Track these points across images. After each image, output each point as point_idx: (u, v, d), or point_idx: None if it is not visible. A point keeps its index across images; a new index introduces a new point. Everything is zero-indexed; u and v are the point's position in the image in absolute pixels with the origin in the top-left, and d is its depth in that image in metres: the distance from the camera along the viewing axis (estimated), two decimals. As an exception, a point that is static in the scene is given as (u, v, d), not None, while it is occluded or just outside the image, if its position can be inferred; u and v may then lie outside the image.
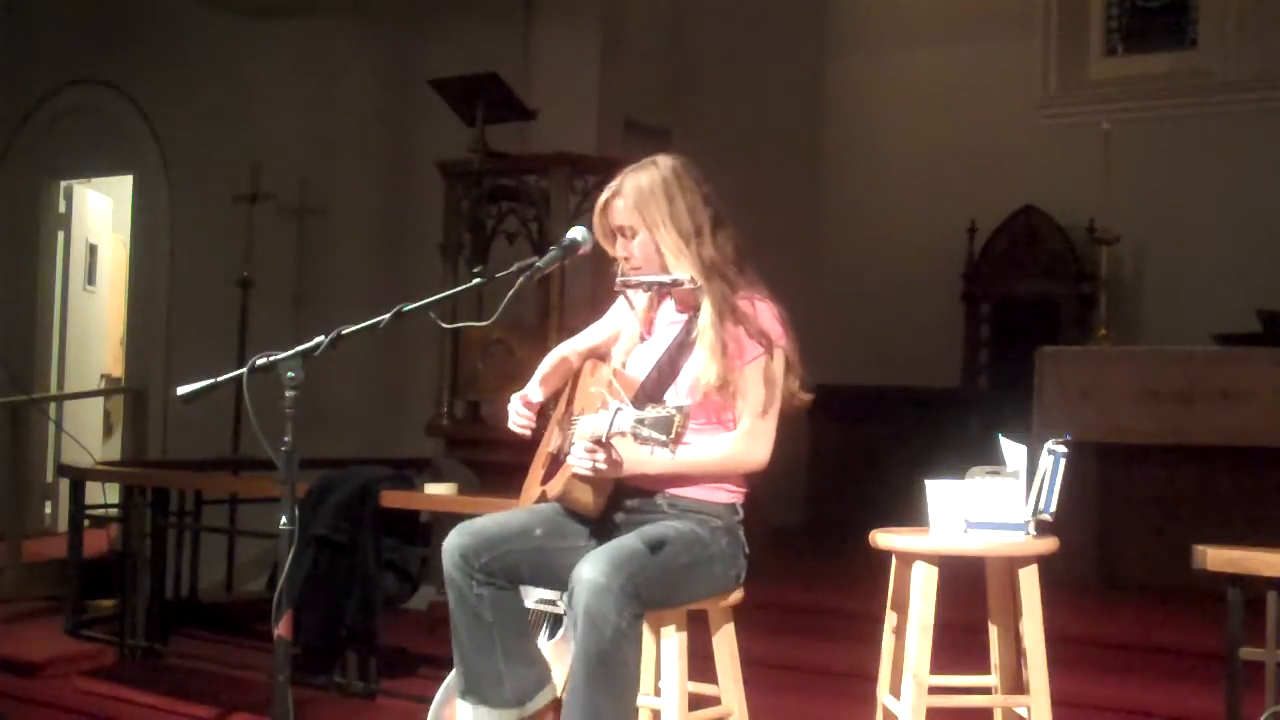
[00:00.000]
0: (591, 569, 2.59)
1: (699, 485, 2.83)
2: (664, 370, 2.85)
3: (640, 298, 2.98)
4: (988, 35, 8.15)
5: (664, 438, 2.41)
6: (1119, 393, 5.58)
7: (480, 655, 2.81)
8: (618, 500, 2.84)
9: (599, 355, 3.07)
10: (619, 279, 2.94)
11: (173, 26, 7.74)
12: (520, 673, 2.82)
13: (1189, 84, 7.80)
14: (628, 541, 2.69)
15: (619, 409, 2.53)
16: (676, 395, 2.77)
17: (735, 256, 2.85)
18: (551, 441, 3.02)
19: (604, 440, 2.57)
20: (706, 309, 2.80)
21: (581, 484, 2.75)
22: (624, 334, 3.02)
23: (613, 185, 2.91)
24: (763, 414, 2.79)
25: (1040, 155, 7.83)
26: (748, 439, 2.79)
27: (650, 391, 2.80)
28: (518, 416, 2.95)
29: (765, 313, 2.84)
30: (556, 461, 2.91)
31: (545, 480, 2.95)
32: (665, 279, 2.85)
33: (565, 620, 2.86)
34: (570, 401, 3.02)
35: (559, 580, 2.76)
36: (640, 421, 2.44)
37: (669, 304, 2.98)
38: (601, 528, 2.84)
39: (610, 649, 2.56)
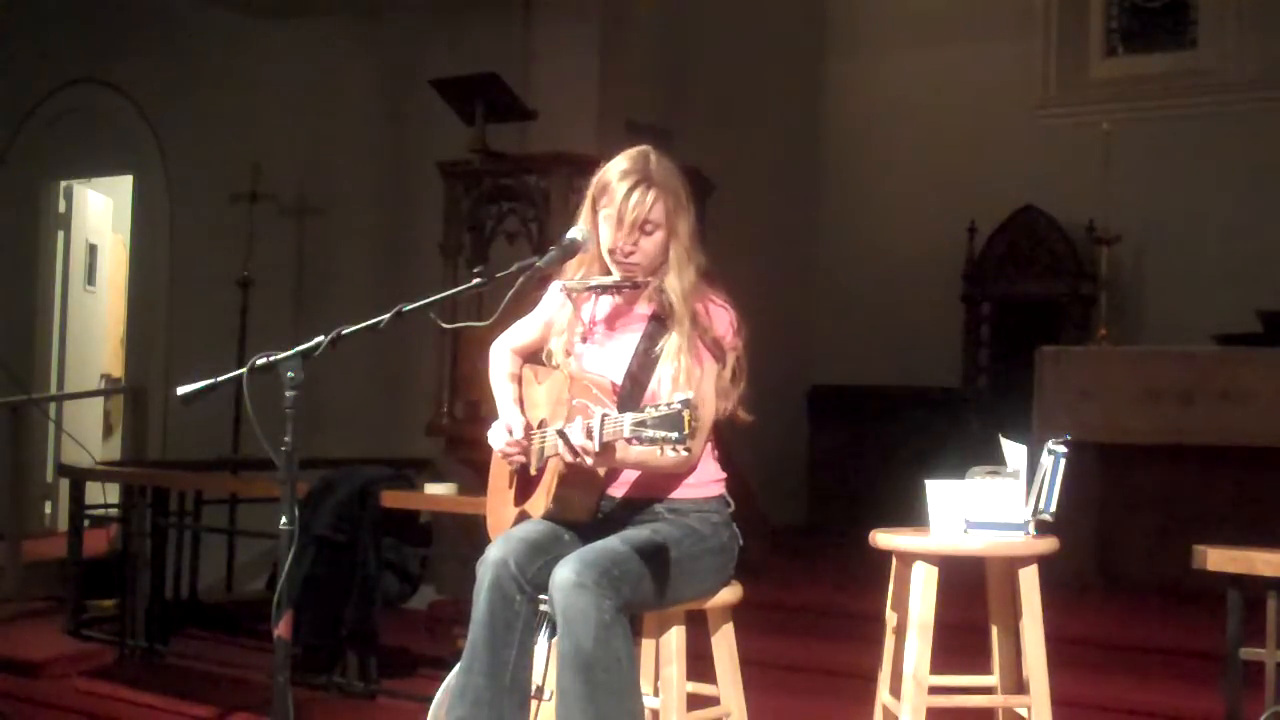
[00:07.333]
0: (565, 569, 2.56)
1: (685, 486, 2.79)
2: (636, 378, 2.75)
3: (587, 300, 2.88)
4: (988, 35, 8.14)
5: (676, 434, 2.31)
6: (1119, 393, 5.58)
7: (489, 677, 2.68)
8: (616, 515, 2.79)
9: (529, 356, 2.99)
10: (571, 281, 2.83)
11: (173, 26, 7.73)
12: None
13: (1189, 84, 7.79)
14: (605, 541, 2.66)
15: (605, 414, 2.48)
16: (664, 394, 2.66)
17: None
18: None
19: (596, 446, 2.48)
20: (685, 326, 2.70)
21: (570, 494, 2.70)
22: (563, 333, 2.90)
23: (636, 171, 2.72)
24: (708, 423, 2.75)
25: (1040, 155, 7.81)
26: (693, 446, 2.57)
27: (626, 398, 2.72)
28: (509, 449, 2.81)
29: (721, 319, 2.77)
30: (529, 480, 2.82)
31: (520, 500, 2.84)
32: (623, 282, 2.78)
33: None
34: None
35: None
36: (642, 424, 2.35)
37: (618, 303, 2.87)
38: (602, 533, 2.77)
39: (595, 646, 2.51)
